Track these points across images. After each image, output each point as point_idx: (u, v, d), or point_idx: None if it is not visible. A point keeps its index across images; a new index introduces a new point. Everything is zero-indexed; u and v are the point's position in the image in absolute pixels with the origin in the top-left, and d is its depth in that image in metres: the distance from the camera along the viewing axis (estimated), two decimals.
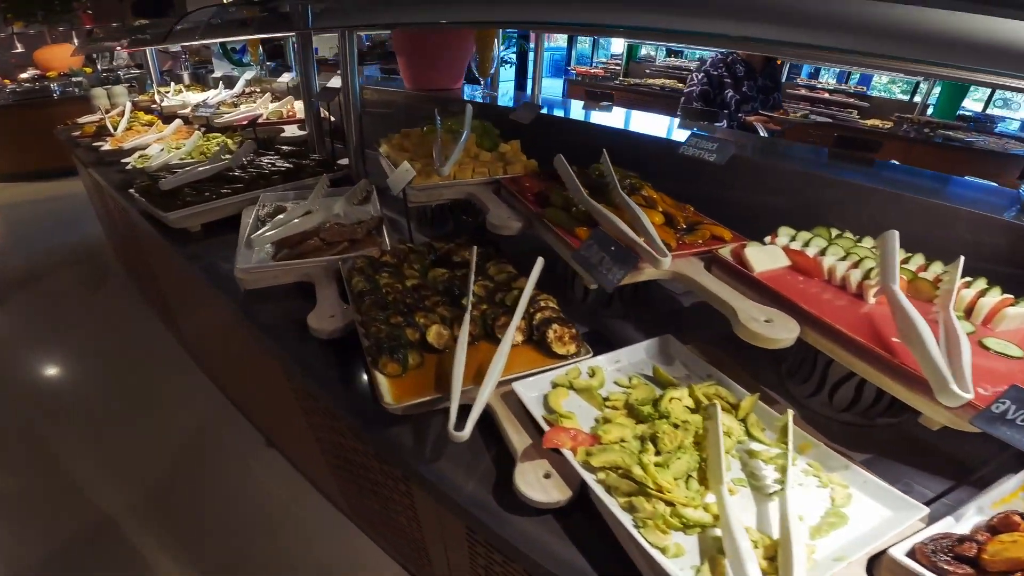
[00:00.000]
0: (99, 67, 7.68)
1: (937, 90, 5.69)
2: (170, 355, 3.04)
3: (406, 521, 1.41)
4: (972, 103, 6.11)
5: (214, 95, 3.09)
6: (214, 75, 4.02)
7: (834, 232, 1.19)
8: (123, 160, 2.38)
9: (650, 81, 7.29)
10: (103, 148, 2.58)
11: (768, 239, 1.18)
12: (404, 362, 0.98)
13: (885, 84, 7.25)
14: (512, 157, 1.65)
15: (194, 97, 3.38)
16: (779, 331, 0.90)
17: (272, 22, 2.02)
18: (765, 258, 1.10)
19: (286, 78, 3.06)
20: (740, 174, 1.50)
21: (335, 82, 2.41)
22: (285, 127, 2.46)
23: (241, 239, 1.48)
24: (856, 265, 1.04)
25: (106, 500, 2.18)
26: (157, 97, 3.58)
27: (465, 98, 2.34)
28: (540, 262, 1.18)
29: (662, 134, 1.94)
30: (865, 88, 6.87)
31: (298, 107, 2.64)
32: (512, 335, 1.02)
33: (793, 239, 1.18)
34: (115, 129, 2.92)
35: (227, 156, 1.98)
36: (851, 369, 0.87)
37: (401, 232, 1.69)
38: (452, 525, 1.14)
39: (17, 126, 6.17)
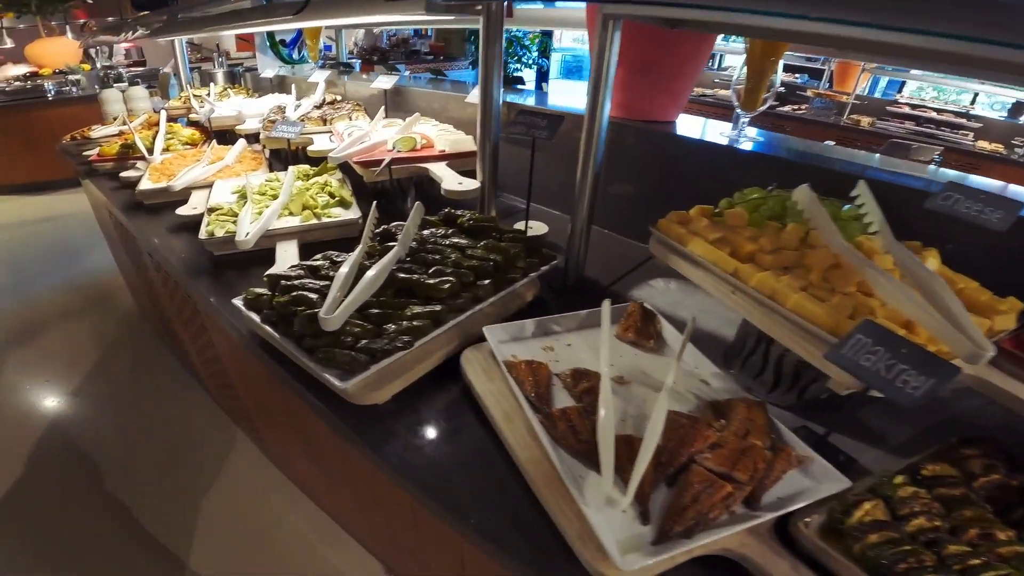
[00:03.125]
0: (99, 64, 6.78)
1: None
2: (224, 435, 2.20)
3: None
4: None
5: (292, 105, 2.23)
6: (264, 75, 3.16)
7: None
8: (180, 211, 1.53)
9: (722, 92, 6.48)
10: (143, 186, 1.72)
11: None
12: None
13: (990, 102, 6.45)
14: (978, 295, 0.84)
15: (250, 105, 2.52)
16: None
17: None
18: None
19: (384, 83, 2.21)
20: None
21: (476, 94, 1.60)
22: (427, 166, 1.57)
23: (579, 500, 0.67)
24: None
25: None
26: (195, 103, 2.71)
27: (726, 141, 1.51)
28: None
29: None
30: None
31: (430, 132, 1.79)
32: None
33: None
34: (151, 151, 2.07)
35: (368, 223, 1.14)
36: None
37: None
38: None
39: (5, 131, 5.25)
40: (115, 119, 2.94)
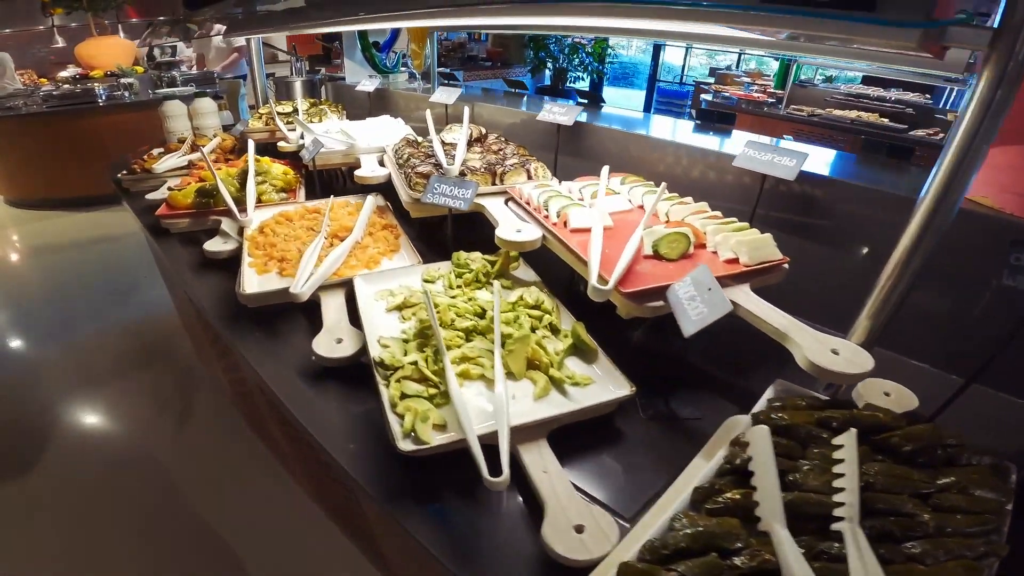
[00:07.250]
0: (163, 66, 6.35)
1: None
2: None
3: None
4: None
5: (437, 142, 1.56)
6: (360, 87, 2.53)
7: None
8: (320, 349, 0.92)
9: (838, 112, 5.46)
10: (248, 287, 1.12)
11: None
12: None
13: None
14: None
15: (361, 134, 1.91)
16: None
17: None
18: None
19: (558, 113, 1.53)
20: None
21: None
22: (743, 305, 0.90)
23: None
24: None
25: None
26: (281, 124, 2.12)
27: None
28: None
29: None
30: None
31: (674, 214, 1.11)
32: None
33: None
34: (241, 205, 1.47)
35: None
36: None
37: None
38: None
39: (53, 139, 4.84)
40: (181, 140, 2.39)
